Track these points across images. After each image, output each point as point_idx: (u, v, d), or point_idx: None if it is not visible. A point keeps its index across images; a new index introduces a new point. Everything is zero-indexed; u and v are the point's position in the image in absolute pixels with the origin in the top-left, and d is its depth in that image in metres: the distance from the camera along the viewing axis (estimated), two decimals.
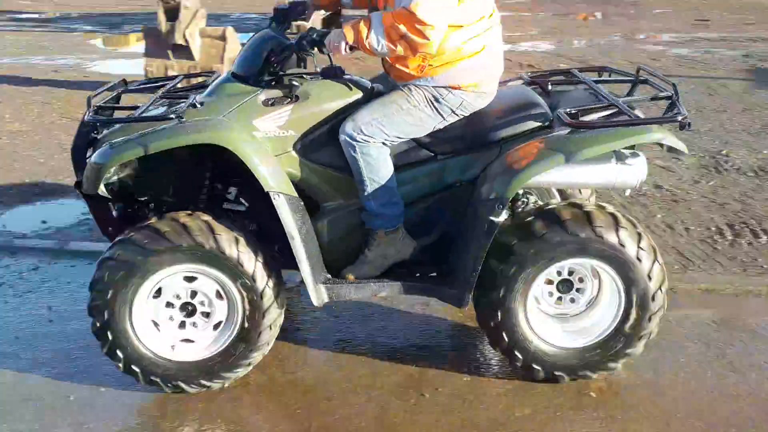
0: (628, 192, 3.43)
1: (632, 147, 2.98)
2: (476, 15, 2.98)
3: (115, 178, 3.19)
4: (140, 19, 13.62)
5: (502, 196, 2.90)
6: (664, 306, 3.10)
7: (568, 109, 3.03)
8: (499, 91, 3.23)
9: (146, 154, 2.93)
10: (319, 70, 3.13)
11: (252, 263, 3.00)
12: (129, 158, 3.01)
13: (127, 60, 10.81)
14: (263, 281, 3.03)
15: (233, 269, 2.98)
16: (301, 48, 3.01)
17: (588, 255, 3.01)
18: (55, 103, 8.15)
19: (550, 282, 3.16)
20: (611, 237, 2.95)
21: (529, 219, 3.04)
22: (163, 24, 8.23)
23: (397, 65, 3.05)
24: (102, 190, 3.09)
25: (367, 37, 2.88)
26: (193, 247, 2.94)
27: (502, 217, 2.94)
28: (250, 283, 3.01)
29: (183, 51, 8.26)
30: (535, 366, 3.16)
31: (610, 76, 3.58)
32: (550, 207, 3.10)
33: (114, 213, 3.39)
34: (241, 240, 3.01)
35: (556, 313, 3.26)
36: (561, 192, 3.57)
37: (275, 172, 3.01)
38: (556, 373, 3.17)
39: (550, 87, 3.45)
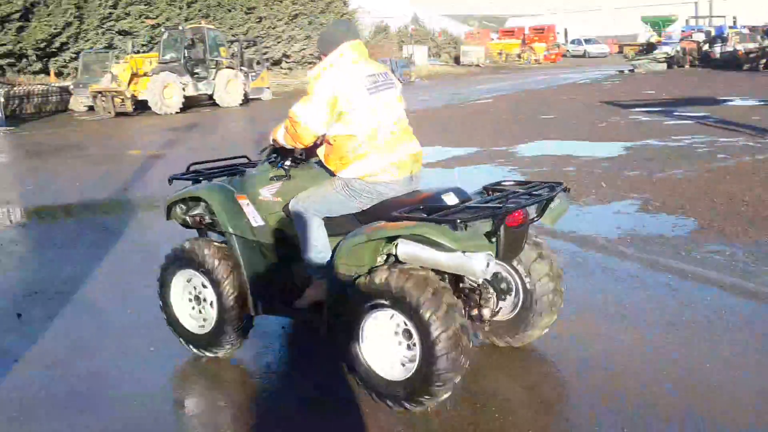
0: (480, 280, 3.79)
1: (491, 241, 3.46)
2: (365, 128, 3.80)
3: (195, 212, 4.41)
4: None
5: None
6: (456, 371, 3.41)
7: (421, 206, 3.63)
8: (431, 187, 3.98)
9: (176, 199, 4.41)
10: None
11: (222, 274, 4.13)
12: (174, 200, 4.43)
13: None
14: (227, 287, 4.12)
15: (210, 277, 4.18)
16: (274, 142, 4.11)
17: (393, 309, 3.51)
18: None
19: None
20: (412, 298, 3.41)
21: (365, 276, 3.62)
22: None
23: (325, 164, 3.99)
24: (186, 220, 4.47)
25: (276, 132, 4.03)
26: (196, 261, 4.22)
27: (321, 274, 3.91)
28: (219, 288, 4.15)
29: None
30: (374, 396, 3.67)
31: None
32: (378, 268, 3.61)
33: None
34: (222, 261, 4.15)
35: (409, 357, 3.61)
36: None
37: (237, 221, 4.17)
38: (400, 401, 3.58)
39: (488, 194, 3.99)
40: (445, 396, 3.51)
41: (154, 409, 3.84)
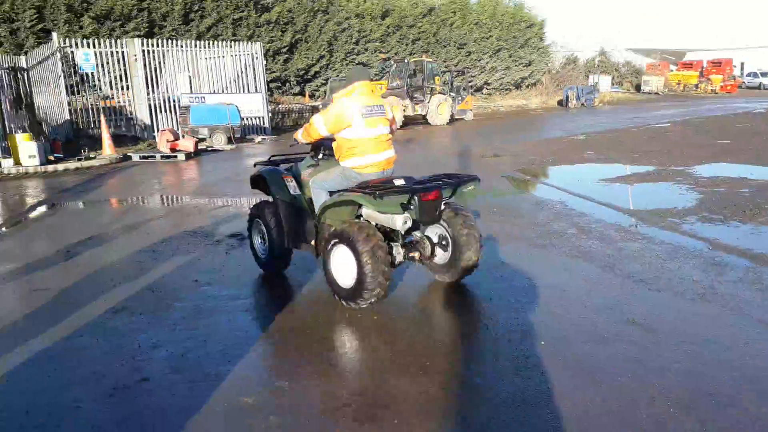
0: (402, 231, 4.92)
1: (408, 208, 4.76)
2: (359, 136, 4.90)
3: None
4: None
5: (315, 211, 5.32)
6: (376, 285, 4.58)
7: (369, 184, 4.87)
8: (393, 175, 5.11)
9: (253, 176, 5.74)
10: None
11: (272, 222, 5.53)
12: (252, 176, 5.73)
13: None
14: (273, 231, 5.52)
15: (266, 224, 5.60)
16: (296, 140, 5.42)
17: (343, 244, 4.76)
18: None
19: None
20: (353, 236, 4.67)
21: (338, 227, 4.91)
22: None
23: (334, 153, 5.13)
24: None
25: (297, 134, 5.28)
26: (260, 217, 5.70)
27: (312, 221, 5.35)
28: (269, 231, 5.58)
29: None
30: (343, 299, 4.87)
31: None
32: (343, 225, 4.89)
33: None
34: (272, 215, 5.54)
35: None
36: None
37: (281, 191, 5.44)
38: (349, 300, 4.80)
39: (426, 177, 5.08)
40: (372, 300, 4.66)
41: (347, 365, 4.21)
